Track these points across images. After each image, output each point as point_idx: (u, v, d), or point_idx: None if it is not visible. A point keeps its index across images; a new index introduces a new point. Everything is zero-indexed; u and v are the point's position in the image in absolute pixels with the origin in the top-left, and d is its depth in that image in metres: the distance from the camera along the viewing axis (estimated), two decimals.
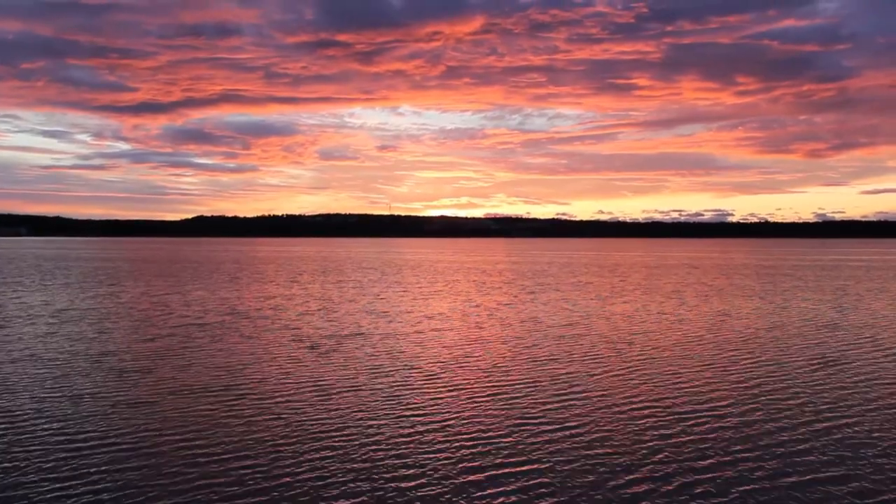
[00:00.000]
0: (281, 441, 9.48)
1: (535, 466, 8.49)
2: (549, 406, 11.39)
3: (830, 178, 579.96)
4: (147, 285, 37.74)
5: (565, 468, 8.43)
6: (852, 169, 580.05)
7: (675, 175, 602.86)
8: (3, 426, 10.08)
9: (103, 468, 8.35)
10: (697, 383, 13.16)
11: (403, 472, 8.32)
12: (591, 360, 15.59)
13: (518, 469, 8.41)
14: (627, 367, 14.69)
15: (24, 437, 9.57)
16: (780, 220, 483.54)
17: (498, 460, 8.71)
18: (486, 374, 13.92)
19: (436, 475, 8.21)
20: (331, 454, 8.94)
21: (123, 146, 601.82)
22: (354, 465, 8.52)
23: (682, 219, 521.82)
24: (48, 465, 8.44)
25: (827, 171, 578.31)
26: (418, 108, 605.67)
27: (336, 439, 9.56)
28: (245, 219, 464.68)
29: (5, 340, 17.90)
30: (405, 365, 14.91)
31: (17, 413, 10.78)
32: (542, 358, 15.77)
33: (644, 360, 15.61)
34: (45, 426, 10.09)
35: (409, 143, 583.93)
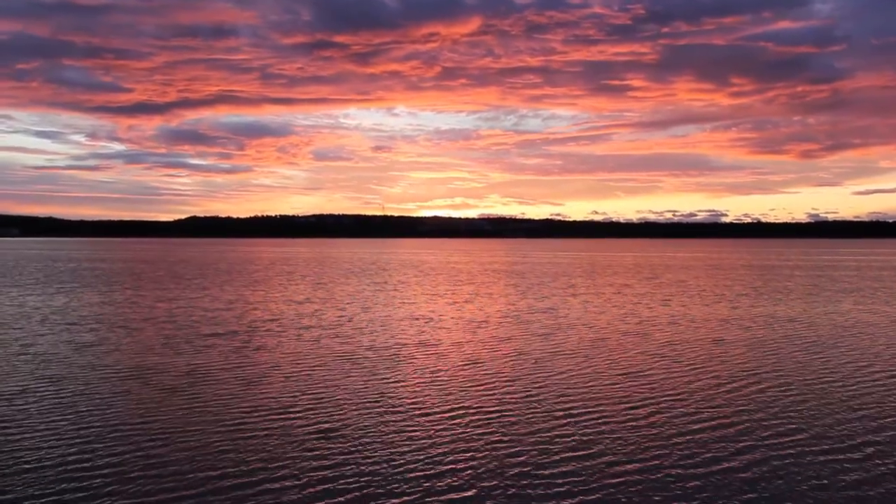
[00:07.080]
0: (350, 466, 8.23)
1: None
2: (670, 427, 10.18)
3: (823, 178, 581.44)
4: (167, 288, 36.36)
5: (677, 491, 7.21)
6: (845, 169, 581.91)
7: (669, 176, 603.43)
8: (20, 439, 8.84)
9: (137, 488, 7.11)
10: (818, 399, 11.96)
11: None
12: (680, 370, 14.37)
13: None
14: (721, 380, 13.47)
15: (41, 449, 8.33)
16: (773, 221, 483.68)
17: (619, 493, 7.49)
18: (586, 391, 12.69)
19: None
20: (415, 485, 7.70)
21: (118, 147, 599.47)
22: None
23: (676, 219, 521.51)
24: (68, 481, 7.20)
25: (820, 171, 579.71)
26: (414, 108, 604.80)
27: (420, 470, 8.31)
28: (238, 219, 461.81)
29: (29, 350, 16.59)
30: (490, 379, 13.67)
31: (45, 427, 9.53)
32: (633, 371, 14.53)
33: (738, 371, 14.39)
34: (59, 441, 8.85)
35: (403, 144, 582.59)
